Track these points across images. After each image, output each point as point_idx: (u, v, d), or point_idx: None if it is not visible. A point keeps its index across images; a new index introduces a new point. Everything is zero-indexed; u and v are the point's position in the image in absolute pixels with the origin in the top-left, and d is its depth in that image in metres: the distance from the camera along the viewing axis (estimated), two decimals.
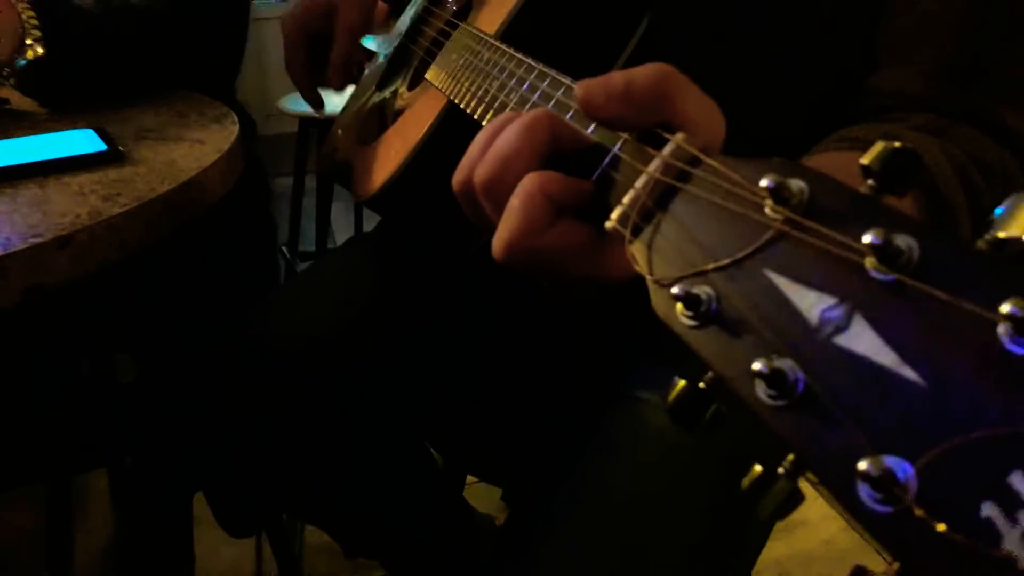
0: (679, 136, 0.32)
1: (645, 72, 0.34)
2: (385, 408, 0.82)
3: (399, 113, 0.73)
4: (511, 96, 0.48)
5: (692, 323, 0.27)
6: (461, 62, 0.59)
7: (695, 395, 0.27)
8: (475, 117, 0.52)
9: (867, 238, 0.22)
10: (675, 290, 0.27)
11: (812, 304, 0.23)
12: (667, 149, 0.32)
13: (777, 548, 1.44)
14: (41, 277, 0.56)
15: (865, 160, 0.24)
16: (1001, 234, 0.20)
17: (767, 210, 0.26)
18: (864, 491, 0.20)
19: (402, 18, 0.89)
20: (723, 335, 0.26)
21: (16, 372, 0.92)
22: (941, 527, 0.18)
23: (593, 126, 0.38)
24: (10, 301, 0.54)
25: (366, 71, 0.92)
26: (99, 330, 0.98)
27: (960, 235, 0.48)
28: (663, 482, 0.61)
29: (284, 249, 2.27)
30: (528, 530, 0.62)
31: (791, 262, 0.25)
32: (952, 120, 0.53)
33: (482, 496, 1.35)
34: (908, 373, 0.20)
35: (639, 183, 0.32)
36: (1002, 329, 0.19)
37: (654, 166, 0.32)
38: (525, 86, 0.47)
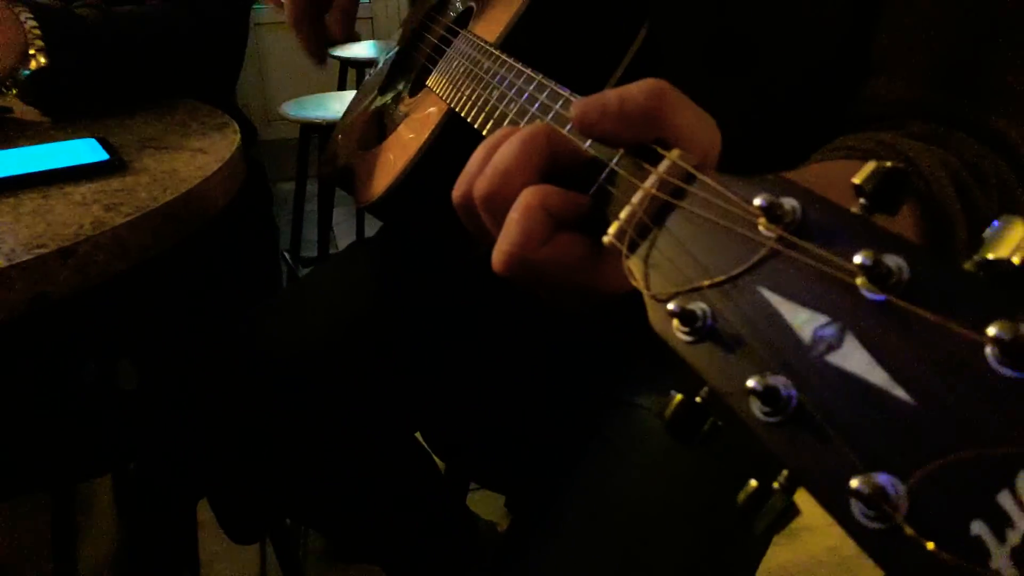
0: (675, 153, 0.32)
1: (639, 88, 0.34)
2: (387, 414, 0.82)
3: (401, 119, 0.74)
4: (510, 107, 0.48)
5: (688, 338, 0.27)
6: (462, 70, 0.60)
7: (692, 409, 0.28)
8: (475, 126, 0.52)
9: (858, 259, 0.22)
10: (671, 306, 0.27)
11: (805, 322, 0.24)
12: (662, 166, 0.32)
13: (780, 554, 1.44)
14: (45, 287, 0.56)
15: (857, 180, 0.24)
16: (990, 255, 0.20)
17: (760, 228, 0.26)
18: (857, 508, 0.20)
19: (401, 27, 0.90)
20: (718, 351, 0.26)
21: (19, 379, 0.92)
22: (930, 545, 0.19)
23: (590, 140, 0.39)
24: (14, 311, 0.54)
25: (368, 76, 0.92)
26: (102, 336, 0.98)
27: (955, 245, 0.48)
28: (664, 487, 0.61)
29: (286, 254, 2.28)
30: (529, 536, 0.63)
31: (784, 280, 0.25)
32: (948, 128, 0.53)
33: (485, 503, 1.36)
34: (899, 392, 0.21)
35: (635, 199, 0.33)
36: (989, 351, 0.19)
37: (650, 182, 0.32)
38: (524, 97, 0.47)
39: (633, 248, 0.32)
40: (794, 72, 0.60)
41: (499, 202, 0.37)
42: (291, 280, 1.99)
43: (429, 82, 0.69)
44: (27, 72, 0.83)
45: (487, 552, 1.03)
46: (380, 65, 0.90)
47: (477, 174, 0.39)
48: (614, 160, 0.36)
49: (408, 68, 0.82)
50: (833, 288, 0.23)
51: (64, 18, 0.86)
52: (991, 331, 0.19)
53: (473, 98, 0.55)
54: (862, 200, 0.24)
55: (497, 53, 0.55)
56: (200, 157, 0.76)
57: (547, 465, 0.74)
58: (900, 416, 0.20)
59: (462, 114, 0.55)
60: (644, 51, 0.57)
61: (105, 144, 0.76)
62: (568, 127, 0.41)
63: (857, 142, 0.52)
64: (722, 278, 0.27)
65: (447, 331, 0.82)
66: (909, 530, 0.19)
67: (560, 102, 0.43)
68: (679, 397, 0.28)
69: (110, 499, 1.39)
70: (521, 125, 0.45)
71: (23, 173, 0.68)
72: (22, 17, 0.82)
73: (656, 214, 0.31)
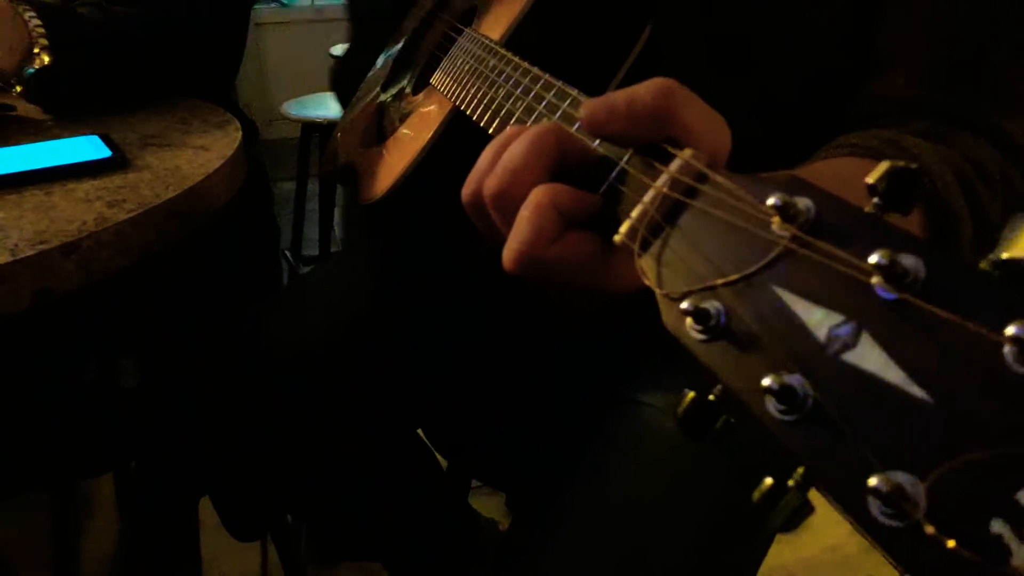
0: (687, 152, 0.32)
1: (648, 88, 0.34)
2: (389, 412, 0.82)
3: (404, 116, 0.74)
4: (517, 105, 0.48)
5: (702, 337, 0.27)
6: (467, 68, 0.60)
7: (705, 407, 0.28)
8: (481, 124, 0.52)
9: (873, 258, 0.22)
10: (684, 304, 0.27)
11: (820, 321, 0.24)
12: (674, 165, 0.32)
13: (783, 553, 1.44)
14: (48, 283, 0.56)
15: (870, 179, 0.24)
16: (1005, 255, 0.20)
17: (774, 227, 0.26)
18: (875, 506, 0.20)
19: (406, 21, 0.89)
20: (733, 349, 0.26)
21: (21, 377, 0.92)
22: (951, 543, 0.19)
23: (599, 139, 0.39)
24: (18, 307, 0.55)
25: (370, 73, 0.92)
26: (103, 334, 0.98)
27: (960, 242, 0.48)
28: (666, 486, 0.61)
29: (287, 253, 2.27)
30: (532, 534, 0.63)
31: (799, 279, 0.25)
32: (951, 125, 0.53)
33: (487, 501, 1.36)
34: (916, 391, 0.21)
35: (647, 197, 0.33)
36: (1007, 350, 0.19)
37: (662, 181, 0.32)
38: (531, 95, 0.47)
39: (645, 247, 0.32)
40: (796, 71, 0.60)
41: (509, 200, 0.38)
42: (292, 279, 1.99)
43: (433, 80, 0.69)
44: (31, 70, 0.83)
45: (488, 550, 1.03)
46: (382, 62, 0.90)
47: (487, 172, 0.39)
48: (624, 159, 0.36)
49: (411, 66, 0.81)
50: (848, 287, 0.23)
51: (67, 17, 0.86)
52: (1009, 331, 0.19)
53: (479, 96, 0.54)
54: (875, 200, 0.24)
55: (503, 51, 0.55)
56: (202, 154, 0.76)
57: (550, 463, 0.74)
58: (917, 415, 0.20)
59: (468, 112, 0.55)
60: (648, 49, 0.57)
61: (108, 141, 0.76)
62: (576, 126, 0.41)
63: (861, 139, 0.52)
64: (736, 277, 0.27)
65: (449, 328, 0.82)
66: (929, 528, 0.19)
67: (568, 100, 0.43)
68: (692, 395, 0.28)
69: (112, 497, 1.39)
70: (528, 123, 0.45)
71: (27, 170, 0.68)
72: (26, 16, 0.82)
73: (668, 213, 0.31)
